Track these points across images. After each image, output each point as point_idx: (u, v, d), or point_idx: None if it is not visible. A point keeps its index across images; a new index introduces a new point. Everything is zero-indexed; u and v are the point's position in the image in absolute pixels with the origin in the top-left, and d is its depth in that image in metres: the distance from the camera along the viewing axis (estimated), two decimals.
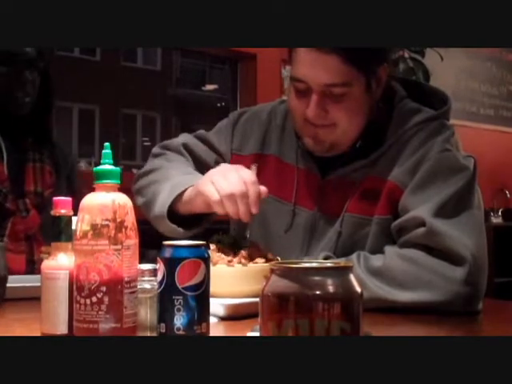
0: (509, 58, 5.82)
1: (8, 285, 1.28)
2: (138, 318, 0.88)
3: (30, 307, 1.11)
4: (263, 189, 1.24)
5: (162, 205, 1.35)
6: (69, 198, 0.95)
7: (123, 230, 0.85)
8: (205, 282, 0.87)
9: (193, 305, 0.85)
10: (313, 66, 1.28)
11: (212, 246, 1.23)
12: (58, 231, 0.93)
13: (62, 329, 0.90)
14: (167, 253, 0.86)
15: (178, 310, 0.85)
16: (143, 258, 0.95)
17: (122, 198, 0.87)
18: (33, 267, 1.77)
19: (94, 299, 0.84)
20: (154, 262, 0.93)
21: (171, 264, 0.86)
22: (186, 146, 1.53)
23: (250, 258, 1.21)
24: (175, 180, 1.37)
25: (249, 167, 1.28)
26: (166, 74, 16.55)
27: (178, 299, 0.85)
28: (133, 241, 0.86)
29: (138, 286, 0.89)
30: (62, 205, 0.93)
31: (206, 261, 0.88)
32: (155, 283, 0.90)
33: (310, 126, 1.34)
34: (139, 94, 15.63)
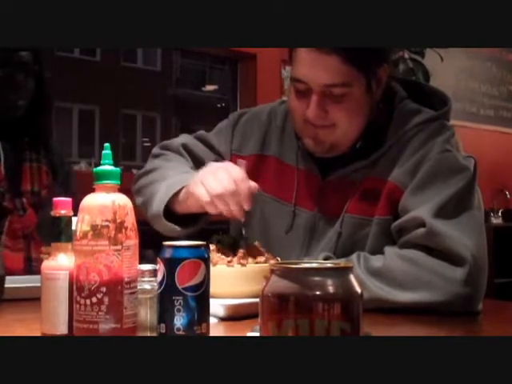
0: (509, 57, 5.82)
1: (8, 285, 1.27)
2: (138, 318, 0.88)
3: (31, 307, 1.11)
4: (253, 184, 1.25)
5: (158, 204, 1.36)
6: (69, 199, 0.95)
7: (123, 230, 0.85)
8: (205, 283, 0.87)
9: (193, 305, 0.85)
10: (313, 67, 1.28)
11: (212, 247, 1.23)
12: (58, 232, 0.93)
13: (62, 329, 0.90)
14: (167, 253, 0.86)
15: (178, 310, 0.85)
16: (143, 259, 0.95)
17: (122, 199, 0.87)
18: (30, 265, 1.80)
19: (94, 299, 0.84)
20: (152, 262, 0.93)
21: (171, 264, 0.86)
22: (185, 147, 1.54)
23: (250, 257, 1.21)
24: (172, 179, 1.38)
25: (247, 167, 1.29)
26: (166, 75, 16.54)
27: (178, 299, 0.85)
28: (133, 241, 0.86)
29: (138, 287, 0.89)
30: (62, 205, 0.94)
31: (206, 261, 0.88)
32: (155, 284, 0.90)
33: (310, 127, 1.34)
34: (139, 94, 15.63)
